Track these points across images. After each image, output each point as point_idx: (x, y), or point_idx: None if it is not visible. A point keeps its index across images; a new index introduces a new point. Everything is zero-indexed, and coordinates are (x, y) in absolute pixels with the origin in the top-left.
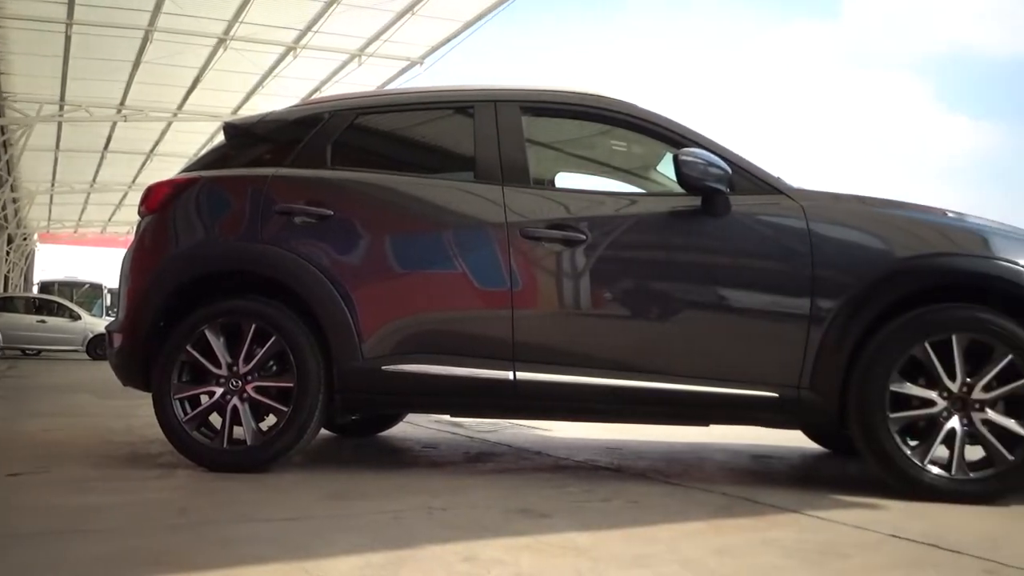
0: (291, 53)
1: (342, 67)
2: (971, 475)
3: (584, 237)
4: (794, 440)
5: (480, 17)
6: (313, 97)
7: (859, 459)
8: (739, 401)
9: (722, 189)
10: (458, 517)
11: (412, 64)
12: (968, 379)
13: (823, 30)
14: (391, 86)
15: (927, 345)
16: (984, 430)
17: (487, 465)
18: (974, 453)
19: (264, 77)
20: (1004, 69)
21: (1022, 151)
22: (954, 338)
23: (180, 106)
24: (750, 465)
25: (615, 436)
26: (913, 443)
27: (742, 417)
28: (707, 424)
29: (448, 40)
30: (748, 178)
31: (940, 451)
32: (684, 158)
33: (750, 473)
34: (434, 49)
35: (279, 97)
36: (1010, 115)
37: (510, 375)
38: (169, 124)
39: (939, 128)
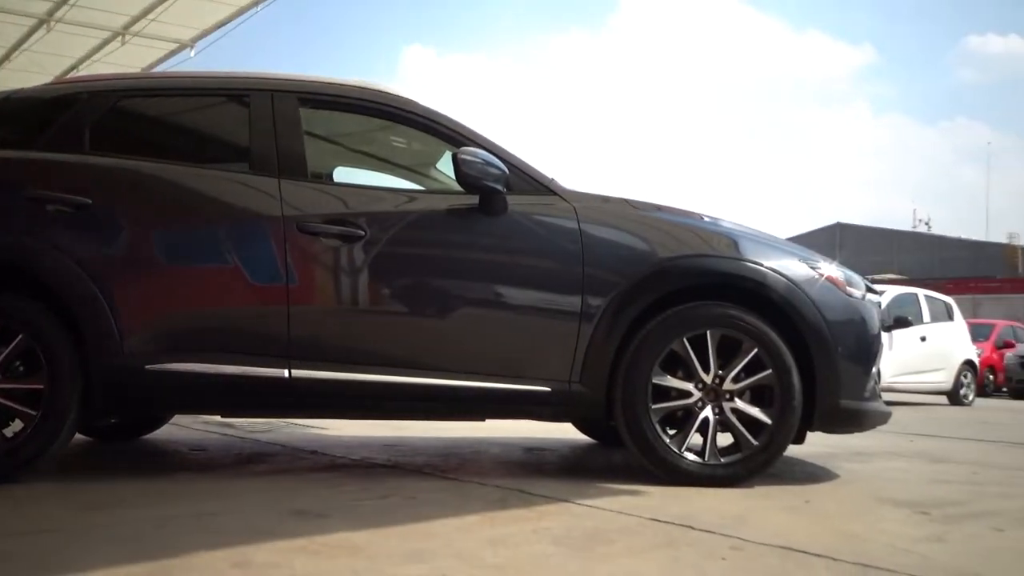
0: (44, 26)
1: (103, 45)
2: (722, 460)
3: (363, 233)
4: (565, 432)
5: (256, 3)
6: (69, 76)
7: (624, 449)
8: (514, 396)
9: (499, 189)
10: (229, 522)
11: (181, 47)
12: (720, 371)
13: (594, 39)
14: (157, 69)
15: (685, 340)
16: (733, 418)
17: (260, 467)
18: (725, 440)
19: (11, 51)
20: (760, 86)
21: (776, 162)
22: (708, 333)
23: None
24: (523, 458)
25: (393, 433)
26: (672, 432)
27: (517, 412)
28: (483, 419)
29: (222, 24)
30: (524, 179)
31: (695, 439)
32: (463, 157)
33: (523, 466)
34: (206, 33)
35: (29, 74)
36: (762, 131)
37: (285, 373)
38: None
39: (702, 135)
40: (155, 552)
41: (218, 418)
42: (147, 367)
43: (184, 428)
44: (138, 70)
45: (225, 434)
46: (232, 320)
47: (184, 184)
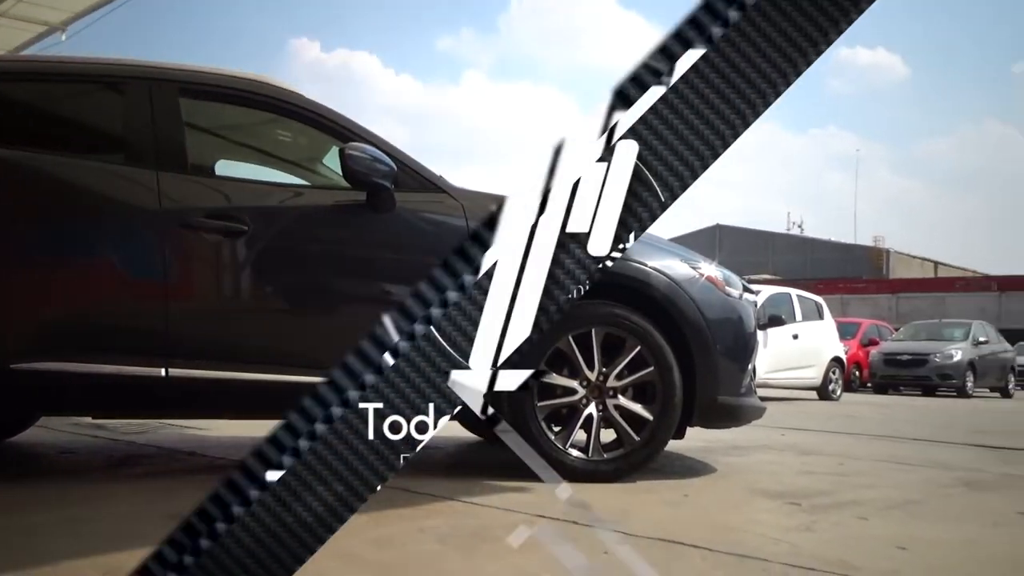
0: None
1: None
2: (605, 456)
3: (245, 228)
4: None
5: None
6: None
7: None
8: None
9: (387, 185)
10: (101, 528)
11: (52, 30)
12: (604, 369)
13: (482, 42)
14: (25, 53)
15: (570, 338)
16: (616, 415)
17: (135, 469)
18: (609, 436)
19: None
20: None
21: None
22: (593, 332)
23: None
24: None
25: None
26: (556, 429)
27: None
28: None
29: (96, 7)
30: (412, 176)
31: (580, 435)
32: (350, 152)
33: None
34: (78, 16)
35: None
36: None
37: (162, 371)
38: None
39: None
40: (21, 561)
41: (89, 419)
42: (12, 366)
43: (52, 430)
44: (3, 53)
45: (96, 436)
46: (106, 317)
47: (54, 175)
